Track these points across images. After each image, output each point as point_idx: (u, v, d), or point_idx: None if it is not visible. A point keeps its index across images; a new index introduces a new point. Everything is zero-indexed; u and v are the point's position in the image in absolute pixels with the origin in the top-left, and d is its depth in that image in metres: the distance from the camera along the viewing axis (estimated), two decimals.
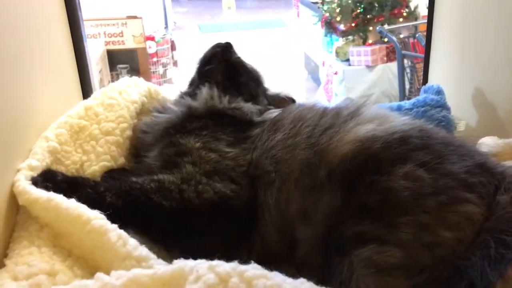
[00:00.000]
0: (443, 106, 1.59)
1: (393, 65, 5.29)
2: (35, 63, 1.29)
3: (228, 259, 1.13)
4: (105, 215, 0.98)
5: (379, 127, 1.13)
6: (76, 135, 1.25)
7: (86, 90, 1.59)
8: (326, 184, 1.08)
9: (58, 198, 0.99)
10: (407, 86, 4.81)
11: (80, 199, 1.01)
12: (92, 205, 1.01)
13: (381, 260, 0.91)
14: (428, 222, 0.94)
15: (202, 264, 0.78)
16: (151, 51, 5.79)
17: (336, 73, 5.66)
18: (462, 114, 1.77)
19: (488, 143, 1.37)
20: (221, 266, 0.76)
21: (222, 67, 1.47)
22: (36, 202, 0.99)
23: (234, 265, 0.77)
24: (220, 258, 1.13)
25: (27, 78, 1.22)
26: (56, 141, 1.19)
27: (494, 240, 0.87)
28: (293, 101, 1.53)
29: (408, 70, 4.80)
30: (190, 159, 1.18)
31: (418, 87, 4.85)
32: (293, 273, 1.13)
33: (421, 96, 1.64)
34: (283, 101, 1.52)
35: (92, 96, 1.36)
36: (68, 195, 1.01)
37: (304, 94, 6.66)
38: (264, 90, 1.54)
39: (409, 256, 0.91)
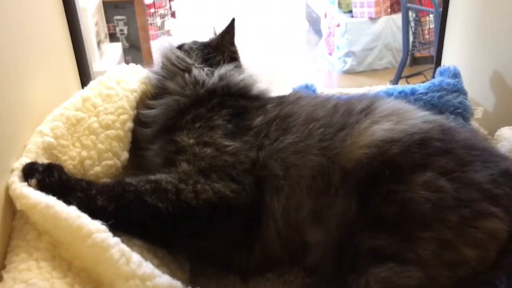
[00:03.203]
0: (460, 90, 1.50)
1: (397, 17, 5.17)
2: (30, 51, 1.20)
3: (227, 260, 1.10)
4: (107, 225, 0.91)
5: (397, 126, 1.06)
6: (73, 127, 1.16)
7: (84, 81, 1.49)
8: (340, 191, 1.03)
9: (58, 206, 0.92)
10: (411, 39, 4.69)
11: (71, 203, 0.94)
12: (83, 209, 0.93)
13: (400, 281, 0.87)
14: (450, 238, 0.89)
15: None
16: (148, 1, 5.58)
17: (338, 25, 5.51)
18: (479, 98, 1.68)
19: (507, 136, 1.29)
20: None
21: None
22: (34, 208, 0.93)
23: None
24: (219, 259, 1.12)
25: (21, 67, 1.13)
26: (52, 135, 1.12)
27: None
28: None
29: (412, 23, 4.66)
30: (184, 157, 1.11)
31: (422, 41, 4.73)
32: (303, 278, 1.11)
33: (437, 79, 1.54)
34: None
35: (89, 86, 1.27)
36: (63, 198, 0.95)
37: (305, 47, 6.50)
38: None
39: (429, 276, 0.87)
